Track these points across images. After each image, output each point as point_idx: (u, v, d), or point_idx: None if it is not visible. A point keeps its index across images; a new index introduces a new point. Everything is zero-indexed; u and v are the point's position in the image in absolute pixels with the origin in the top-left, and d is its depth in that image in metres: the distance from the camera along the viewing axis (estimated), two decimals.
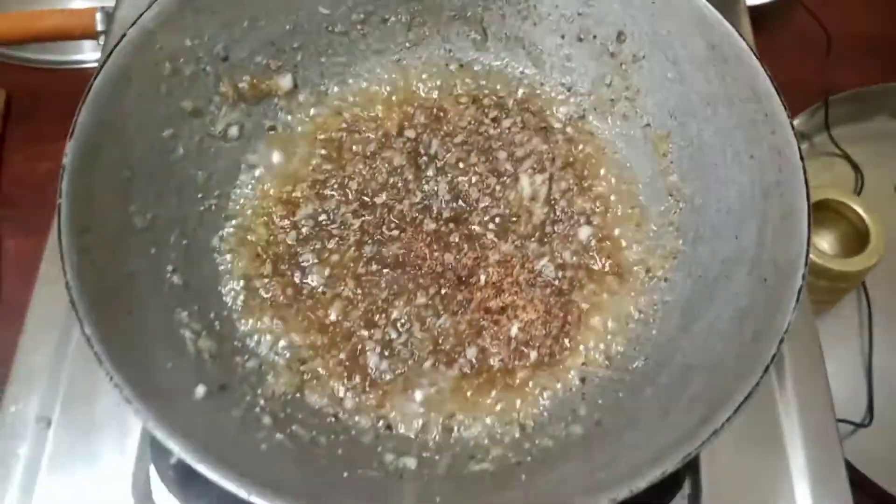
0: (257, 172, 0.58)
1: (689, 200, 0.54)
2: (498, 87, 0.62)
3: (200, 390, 0.45)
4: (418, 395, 0.51)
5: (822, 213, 0.81)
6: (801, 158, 0.47)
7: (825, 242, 0.87)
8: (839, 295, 0.83)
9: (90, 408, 0.56)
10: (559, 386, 0.51)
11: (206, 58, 0.54)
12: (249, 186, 0.57)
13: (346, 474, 0.45)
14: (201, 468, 0.39)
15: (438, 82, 0.62)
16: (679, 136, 0.55)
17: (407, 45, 0.62)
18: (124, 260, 0.47)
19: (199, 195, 0.55)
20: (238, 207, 0.56)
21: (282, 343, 0.52)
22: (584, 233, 0.56)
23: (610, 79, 0.59)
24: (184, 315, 0.49)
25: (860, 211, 0.85)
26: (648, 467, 0.40)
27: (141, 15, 0.50)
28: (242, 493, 0.38)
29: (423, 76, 0.62)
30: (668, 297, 0.53)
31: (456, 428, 0.50)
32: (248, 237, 0.56)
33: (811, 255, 0.72)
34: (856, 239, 0.84)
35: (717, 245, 0.51)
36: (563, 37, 0.60)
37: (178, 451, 0.39)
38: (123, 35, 0.50)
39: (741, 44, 0.51)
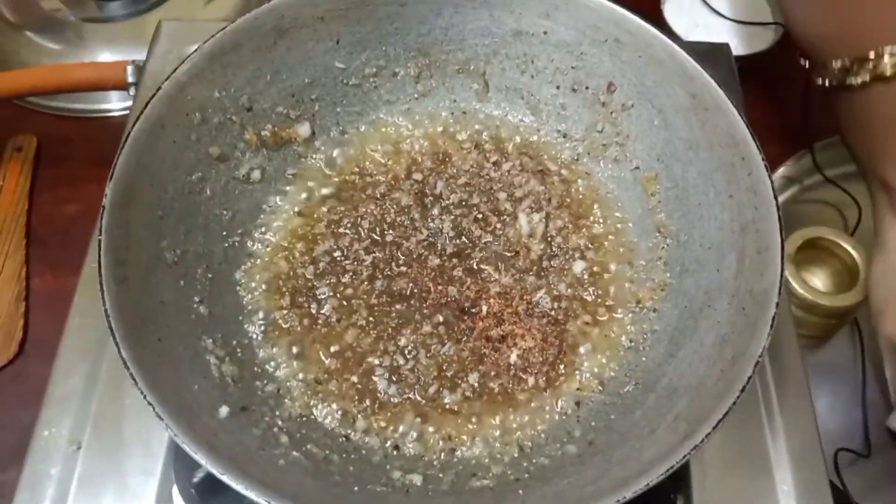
0: (278, 212, 0.62)
1: (676, 237, 0.59)
2: (499, 133, 0.67)
3: (224, 410, 0.49)
4: (424, 418, 0.55)
5: (815, 251, 0.84)
6: (775, 197, 0.51)
7: (818, 280, 0.90)
8: (832, 331, 0.85)
9: (118, 432, 0.59)
10: (556, 410, 0.55)
11: (232, 108, 0.59)
12: (271, 225, 0.62)
13: (356, 489, 0.48)
14: (226, 478, 0.43)
15: (444, 130, 0.67)
16: (665, 177, 0.60)
17: (415, 95, 0.67)
18: (156, 291, 0.52)
19: (224, 233, 0.59)
20: (259, 244, 0.61)
21: (298, 369, 0.56)
22: (578, 267, 0.60)
23: (602, 126, 0.63)
24: (209, 342, 0.53)
25: (850, 249, 0.88)
26: (635, 480, 0.43)
27: (175, 69, 0.56)
28: (262, 501, 0.42)
29: (430, 124, 0.67)
30: (656, 326, 0.57)
31: (458, 448, 0.54)
32: (269, 271, 0.60)
33: (803, 292, 0.75)
34: (847, 276, 0.86)
35: (700, 277, 0.55)
36: (558, 87, 0.65)
37: (205, 463, 0.43)
38: (159, 88, 0.55)
39: (719, 93, 0.55)
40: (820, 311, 0.78)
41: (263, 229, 0.61)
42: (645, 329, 0.57)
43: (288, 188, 0.63)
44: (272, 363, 0.56)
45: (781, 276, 0.49)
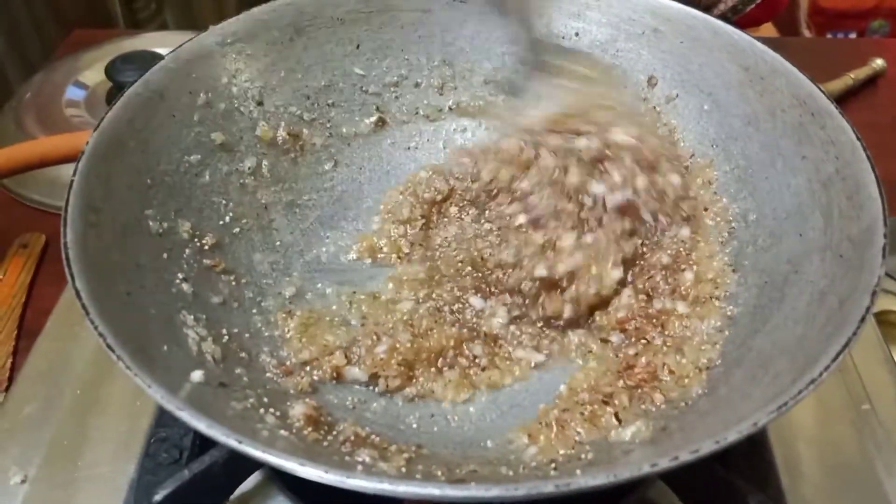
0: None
1: (742, 219, 0.50)
2: None
3: (197, 374, 0.39)
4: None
5: (886, 329, 0.75)
6: (858, 138, 0.44)
7: None
8: None
9: (73, 465, 0.49)
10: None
11: (240, 98, 0.55)
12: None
13: None
14: (184, 415, 0.32)
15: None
16: (722, 161, 0.53)
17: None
18: (132, 252, 0.44)
19: (221, 223, 0.52)
20: None
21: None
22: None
23: None
24: (189, 318, 0.44)
25: None
26: (738, 423, 0.32)
27: (182, 44, 0.52)
28: (233, 442, 0.31)
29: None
30: (731, 310, 0.47)
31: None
32: None
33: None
34: None
35: (779, 249, 0.46)
36: None
37: (161, 398, 0.33)
38: (162, 59, 0.51)
39: (775, 57, 0.50)
40: None
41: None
42: (716, 318, 0.47)
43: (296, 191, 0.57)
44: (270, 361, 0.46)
45: (884, 208, 0.40)
